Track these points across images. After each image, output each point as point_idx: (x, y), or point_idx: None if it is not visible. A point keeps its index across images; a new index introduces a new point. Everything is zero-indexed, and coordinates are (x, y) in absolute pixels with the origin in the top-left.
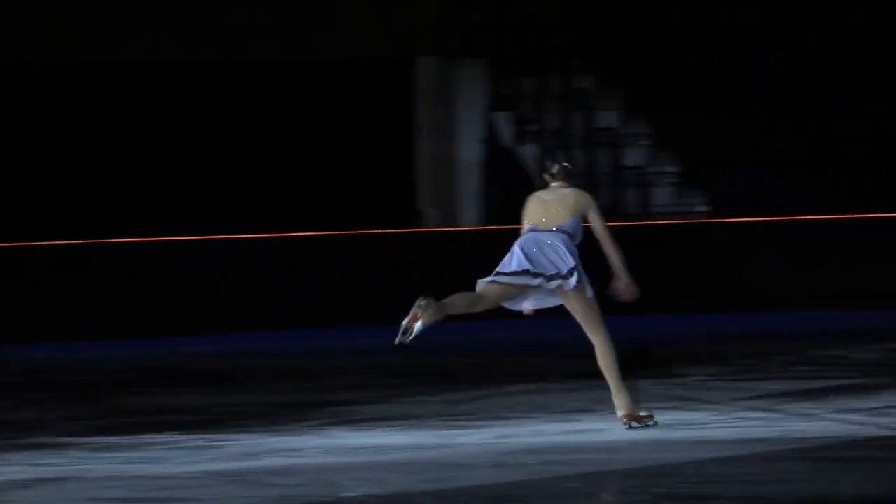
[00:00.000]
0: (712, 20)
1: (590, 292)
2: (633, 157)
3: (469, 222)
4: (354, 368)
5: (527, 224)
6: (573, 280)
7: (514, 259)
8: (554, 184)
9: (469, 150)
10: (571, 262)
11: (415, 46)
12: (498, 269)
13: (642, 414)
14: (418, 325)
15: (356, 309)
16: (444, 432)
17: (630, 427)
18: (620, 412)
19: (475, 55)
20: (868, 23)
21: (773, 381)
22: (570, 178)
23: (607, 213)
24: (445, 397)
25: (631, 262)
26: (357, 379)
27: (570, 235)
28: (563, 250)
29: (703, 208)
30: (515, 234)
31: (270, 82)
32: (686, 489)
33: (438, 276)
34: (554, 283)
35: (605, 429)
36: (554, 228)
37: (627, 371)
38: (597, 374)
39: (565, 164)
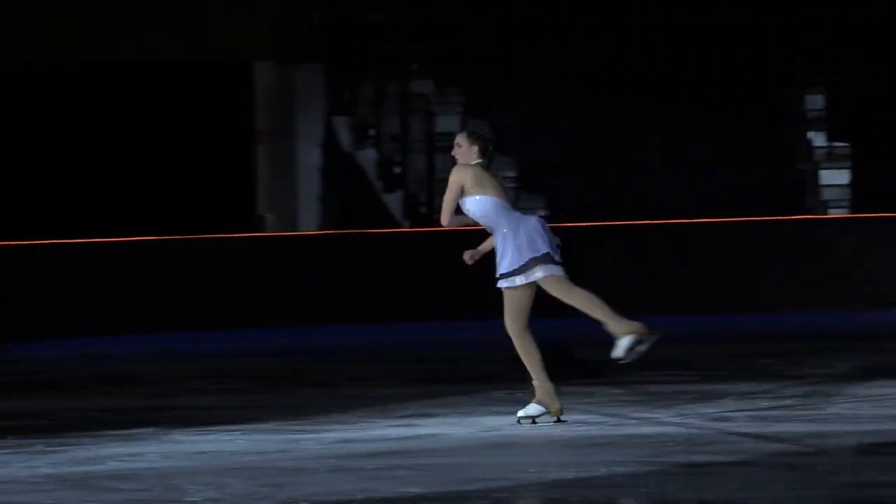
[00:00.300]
0: (551, 23)
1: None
2: None
3: (309, 226)
4: (194, 373)
5: (488, 196)
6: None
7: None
8: (480, 160)
9: (308, 155)
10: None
11: (253, 51)
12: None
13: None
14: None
15: (195, 314)
16: (287, 436)
17: (638, 344)
18: (621, 331)
19: (314, 60)
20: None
21: (612, 386)
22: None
23: None
24: (288, 401)
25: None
26: (197, 384)
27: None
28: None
29: (542, 212)
30: (356, 237)
31: (102, 84)
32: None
33: (278, 280)
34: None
35: (445, 433)
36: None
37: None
38: (437, 380)
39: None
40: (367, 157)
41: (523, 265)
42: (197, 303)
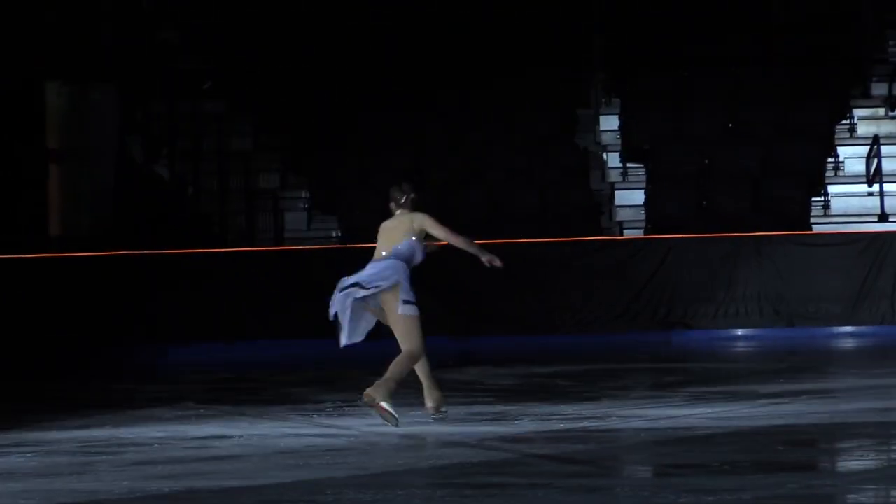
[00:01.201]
0: (340, 45)
1: (402, 310)
2: (267, 180)
3: (103, 248)
4: None
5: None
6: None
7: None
8: (398, 211)
9: (102, 175)
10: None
11: (42, 70)
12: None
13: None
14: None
15: None
16: (81, 458)
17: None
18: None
19: (105, 79)
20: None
21: (407, 406)
22: (414, 207)
23: (242, 238)
24: (82, 423)
25: (265, 288)
26: None
27: (404, 254)
28: (385, 271)
29: (336, 234)
30: (149, 258)
31: None
32: None
33: (70, 302)
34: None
35: (241, 454)
36: (384, 254)
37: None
38: (230, 401)
39: (412, 195)
40: (161, 173)
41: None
42: None
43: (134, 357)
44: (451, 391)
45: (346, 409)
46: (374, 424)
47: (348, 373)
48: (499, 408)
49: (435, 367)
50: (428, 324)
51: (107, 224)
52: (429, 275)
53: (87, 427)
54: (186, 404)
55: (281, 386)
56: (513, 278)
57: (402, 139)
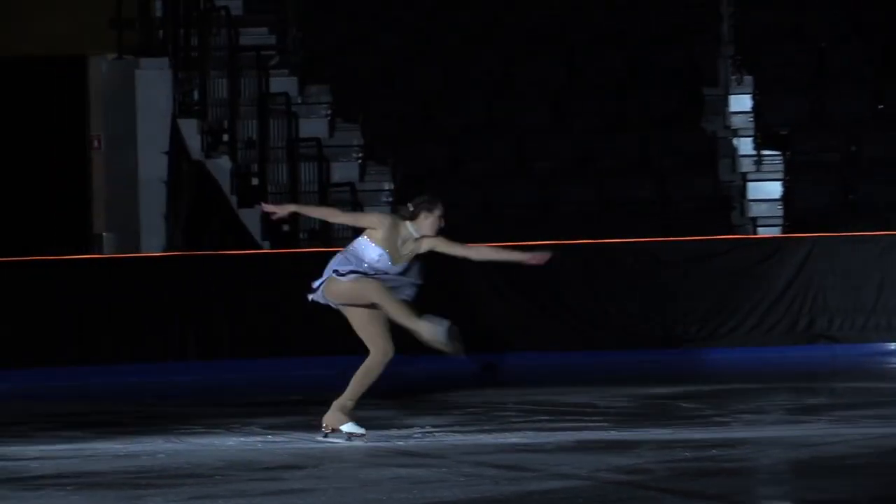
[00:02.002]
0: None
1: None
2: (345, 171)
3: (152, 248)
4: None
5: (375, 247)
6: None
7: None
8: (408, 222)
9: (151, 165)
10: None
11: (87, 43)
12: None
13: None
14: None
15: (16, 348)
16: (130, 492)
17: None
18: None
19: (157, 53)
20: None
21: (506, 432)
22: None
23: (314, 237)
24: (127, 449)
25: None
26: None
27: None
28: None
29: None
30: (203, 260)
31: None
32: None
33: (117, 309)
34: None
35: (316, 488)
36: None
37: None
38: (301, 427)
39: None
40: (220, 166)
41: None
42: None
43: (185, 373)
44: (558, 415)
45: (436, 434)
46: (465, 452)
47: (429, 395)
48: (613, 434)
49: (535, 385)
50: (527, 337)
51: (157, 224)
52: (523, 282)
53: (135, 455)
54: (252, 429)
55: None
56: (625, 283)
57: (497, 121)
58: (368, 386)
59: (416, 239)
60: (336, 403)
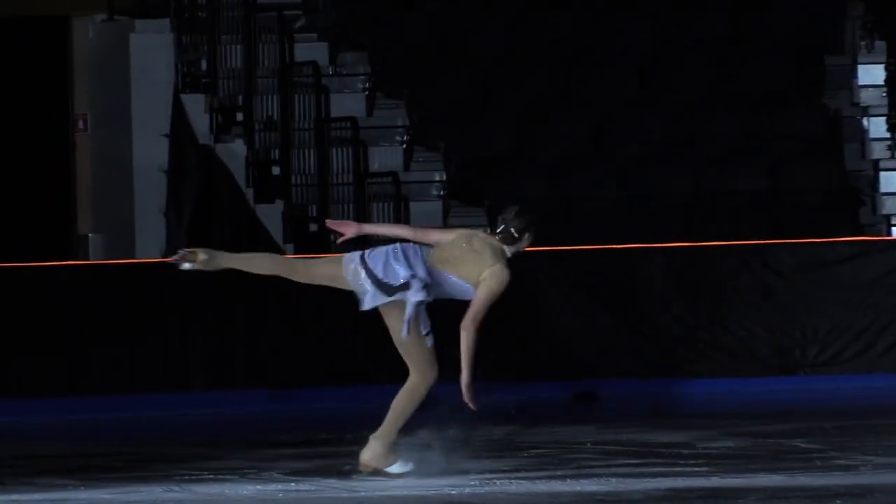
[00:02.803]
0: None
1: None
2: (387, 160)
3: (148, 252)
4: None
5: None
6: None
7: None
8: (490, 238)
9: (148, 150)
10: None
11: (69, 1)
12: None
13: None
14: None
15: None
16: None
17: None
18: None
19: (155, 14)
20: None
21: (581, 478)
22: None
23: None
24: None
25: None
26: None
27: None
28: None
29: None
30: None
31: None
32: None
33: (106, 328)
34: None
35: None
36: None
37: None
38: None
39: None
40: (233, 150)
41: None
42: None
43: (190, 405)
44: (646, 457)
45: (496, 481)
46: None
47: (490, 431)
48: (714, 481)
49: (618, 421)
50: (608, 361)
51: (155, 223)
52: (605, 294)
53: None
54: (270, 474)
55: (421, 448)
56: (728, 296)
57: (571, 97)
58: (410, 415)
59: (492, 265)
60: (374, 439)
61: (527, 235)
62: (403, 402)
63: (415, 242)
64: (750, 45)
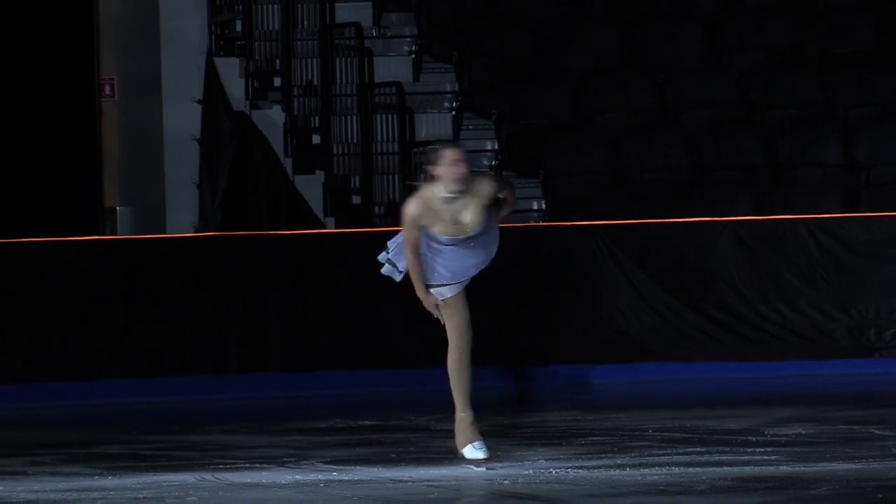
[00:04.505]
0: None
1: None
2: (435, 128)
3: (180, 227)
4: None
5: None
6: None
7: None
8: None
9: (180, 117)
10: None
11: None
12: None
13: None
14: None
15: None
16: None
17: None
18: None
19: None
20: None
21: (652, 468)
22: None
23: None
24: None
25: None
26: None
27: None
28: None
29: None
30: (247, 242)
31: None
32: None
33: (134, 307)
34: None
35: None
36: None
37: None
38: None
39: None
40: (271, 117)
41: None
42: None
43: (224, 390)
44: (712, 444)
45: (553, 470)
46: (591, 494)
47: (546, 417)
48: (784, 469)
49: (681, 407)
50: (670, 342)
51: (188, 195)
52: (662, 270)
53: (158, 499)
54: (311, 463)
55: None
56: (800, 273)
57: (634, 59)
58: (467, 383)
59: (453, 197)
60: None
61: (437, 170)
62: (451, 372)
63: (415, 243)
64: (826, 3)
